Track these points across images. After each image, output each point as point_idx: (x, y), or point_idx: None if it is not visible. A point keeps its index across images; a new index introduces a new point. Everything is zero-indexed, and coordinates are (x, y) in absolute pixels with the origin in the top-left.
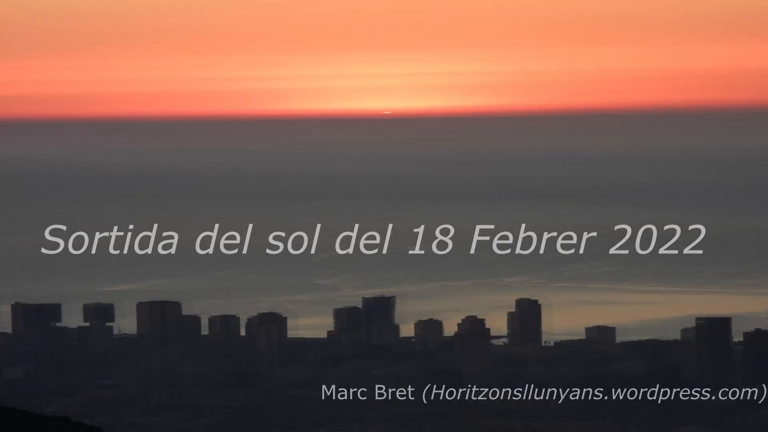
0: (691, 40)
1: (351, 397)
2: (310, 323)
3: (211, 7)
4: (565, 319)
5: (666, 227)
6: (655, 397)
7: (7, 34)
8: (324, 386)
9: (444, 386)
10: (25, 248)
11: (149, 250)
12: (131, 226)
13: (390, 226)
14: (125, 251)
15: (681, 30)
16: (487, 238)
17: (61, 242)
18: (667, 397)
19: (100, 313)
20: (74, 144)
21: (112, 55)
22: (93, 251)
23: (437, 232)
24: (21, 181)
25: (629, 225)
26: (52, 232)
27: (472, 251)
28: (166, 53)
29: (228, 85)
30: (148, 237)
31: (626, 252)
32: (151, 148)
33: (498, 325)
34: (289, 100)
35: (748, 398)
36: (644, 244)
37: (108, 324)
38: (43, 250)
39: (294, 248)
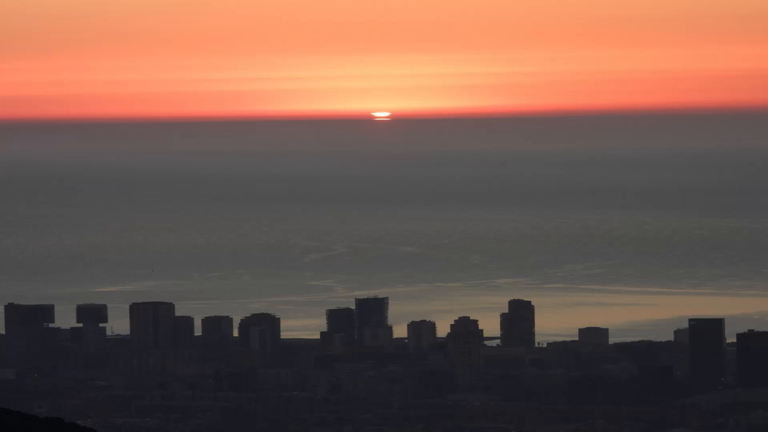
0: (694, 43)
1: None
2: (303, 324)
3: (201, 9)
4: (558, 320)
5: (660, 228)
6: (647, 399)
7: None
8: (317, 387)
9: (437, 387)
10: (18, 249)
11: (142, 251)
12: (125, 227)
13: (383, 227)
14: (117, 252)
15: (683, 32)
16: (481, 239)
17: (52, 243)
18: (659, 398)
19: (93, 314)
20: (60, 145)
21: (90, 56)
22: (85, 252)
23: (430, 234)
24: (8, 182)
25: (624, 226)
26: (44, 234)
27: (466, 252)
28: (154, 54)
29: (217, 86)
30: (141, 237)
31: (620, 253)
32: (141, 149)
33: (491, 326)
34: (282, 101)
35: (741, 400)
36: (638, 246)
37: (101, 325)
38: (35, 251)
39: (287, 249)
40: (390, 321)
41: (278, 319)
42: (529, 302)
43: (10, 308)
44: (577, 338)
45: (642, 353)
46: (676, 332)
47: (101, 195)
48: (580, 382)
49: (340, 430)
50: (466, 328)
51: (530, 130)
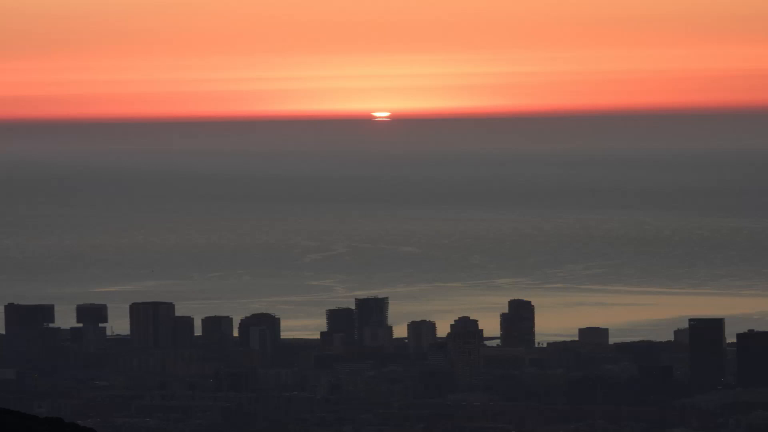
0: (694, 43)
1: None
2: (303, 324)
3: (201, 9)
4: (558, 320)
5: (660, 228)
6: (647, 399)
7: None
8: (317, 387)
9: (437, 387)
10: (18, 249)
11: (142, 251)
12: (125, 227)
13: (383, 227)
14: (117, 252)
15: (683, 32)
16: (481, 239)
17: (52, 243)
18: (659, 398)
19: (93, 314)
20: (60, 145)
21: (90, 56)
22: (85, 252)
23: (430, 234)
24: (8, 182)
25: (624, 226)
26: (44, 234)
27: (466, 252)
28: (154, 54)
29: (217, 86)
30: (141, 237)
31: (620, 253)
32: (141, 149)
33: (491, 326)
34: (282, 101)
35: (741, 400)
36: (638, 246)
37: (101, 325)
38: (35, 251)
39: (287, 249)
40: (390, 321)
41: (278, 319)
42: (529, 302)
43: (10, 308)
44: (577, 338)
45: (642, 353)
46: (676, 332)
47: (101, 195)
48: (580, 382)
49: (340, 430)
50: (466, 328)
51: (530, 130)
